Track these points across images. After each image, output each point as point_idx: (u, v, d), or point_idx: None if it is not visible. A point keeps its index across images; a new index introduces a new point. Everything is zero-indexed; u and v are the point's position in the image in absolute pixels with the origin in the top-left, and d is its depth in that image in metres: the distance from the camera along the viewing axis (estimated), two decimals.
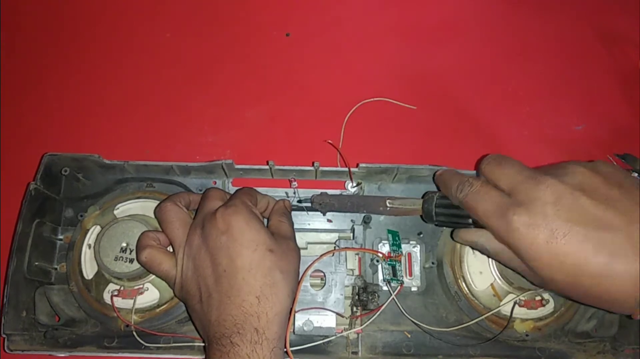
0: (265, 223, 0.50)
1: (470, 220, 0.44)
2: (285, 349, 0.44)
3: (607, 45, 0.71)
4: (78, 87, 0.67)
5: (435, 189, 0.52)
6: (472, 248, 0.49)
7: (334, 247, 0.52)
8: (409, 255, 0.54)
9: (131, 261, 0.48)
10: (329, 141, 0.62)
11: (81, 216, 0.54)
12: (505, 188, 0.41)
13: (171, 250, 0.46)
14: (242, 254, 0.42)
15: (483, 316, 0.49)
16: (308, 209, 0.55)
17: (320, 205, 0.53)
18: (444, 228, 0.54)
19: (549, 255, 0.37)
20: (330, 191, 0.55)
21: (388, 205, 0.52)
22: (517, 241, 0.38)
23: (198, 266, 0.43)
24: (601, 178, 0.39)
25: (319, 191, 0.55)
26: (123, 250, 0.49)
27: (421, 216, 0.50)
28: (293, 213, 0.54)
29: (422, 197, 0.51)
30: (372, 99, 0.66)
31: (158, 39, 0.70)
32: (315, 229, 0.56)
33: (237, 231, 0.42)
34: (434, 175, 0.51)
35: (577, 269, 0.36)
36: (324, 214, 0.55)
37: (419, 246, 0.54)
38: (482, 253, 0.45)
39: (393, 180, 0.57)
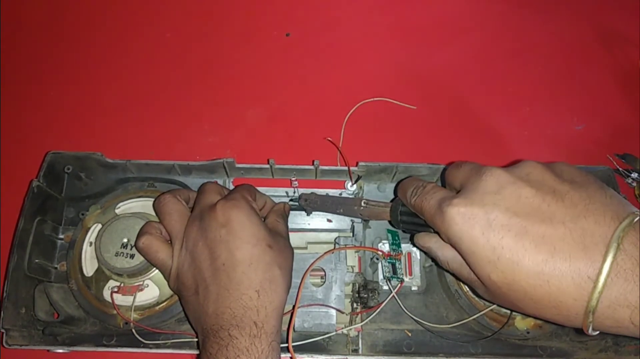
0: None
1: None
2: (287, 345, 0.44)
3: (607, 45, 0.71)
4: (80, 87, 0.68)
5: None
6: (429, 257, 0.47)
7: (334, 245, 0.52)
8: (409, 254, 0.54)
9: (132, 256, 0.48)
10: (329, 138, 0.62)
11: (82, 215, 0.54)
12: (458, 185, 0.40)
13: None
14: (242, 248, 0.42)
15: (483, 312, 0.49)
16: (296, 208, 0.54)
17: (305, 202, 0.53)
18: None
19: (485, 249, 0.33)
20: (319, 191, 0.55)
21: (362, 204, 0.51)
22: (453, 234, 0.35)
23: (195, 258, 0.43)
24: (553, 173, 0.35)
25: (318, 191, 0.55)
26: (124, 246, 0.49)
27: (390, 221, 0.50)
28: (294, 212, 0.55)
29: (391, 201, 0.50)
30: (372, 99, 0.66)
31: (158, 39, 0.71)
32: (315, 229, 0.56)
33: (238, 225, 0.42)
34: (397, 184, 0.49)
35: (514, 266, 0.32)
36: (308, 214, 0.55)
37: None
38: (438, 264, 0.42)
39: (392, 180, 0.57)
